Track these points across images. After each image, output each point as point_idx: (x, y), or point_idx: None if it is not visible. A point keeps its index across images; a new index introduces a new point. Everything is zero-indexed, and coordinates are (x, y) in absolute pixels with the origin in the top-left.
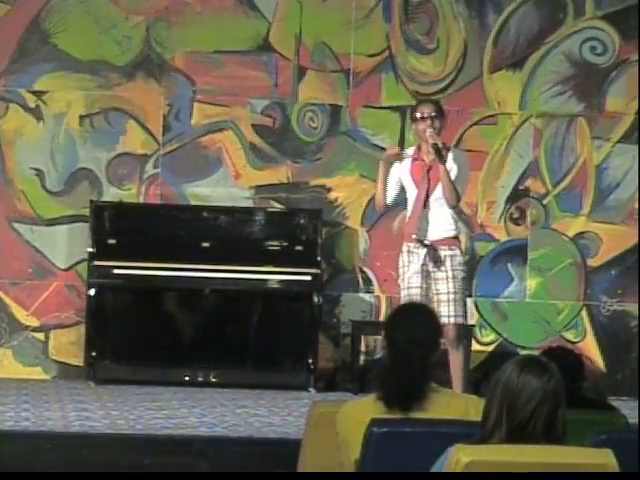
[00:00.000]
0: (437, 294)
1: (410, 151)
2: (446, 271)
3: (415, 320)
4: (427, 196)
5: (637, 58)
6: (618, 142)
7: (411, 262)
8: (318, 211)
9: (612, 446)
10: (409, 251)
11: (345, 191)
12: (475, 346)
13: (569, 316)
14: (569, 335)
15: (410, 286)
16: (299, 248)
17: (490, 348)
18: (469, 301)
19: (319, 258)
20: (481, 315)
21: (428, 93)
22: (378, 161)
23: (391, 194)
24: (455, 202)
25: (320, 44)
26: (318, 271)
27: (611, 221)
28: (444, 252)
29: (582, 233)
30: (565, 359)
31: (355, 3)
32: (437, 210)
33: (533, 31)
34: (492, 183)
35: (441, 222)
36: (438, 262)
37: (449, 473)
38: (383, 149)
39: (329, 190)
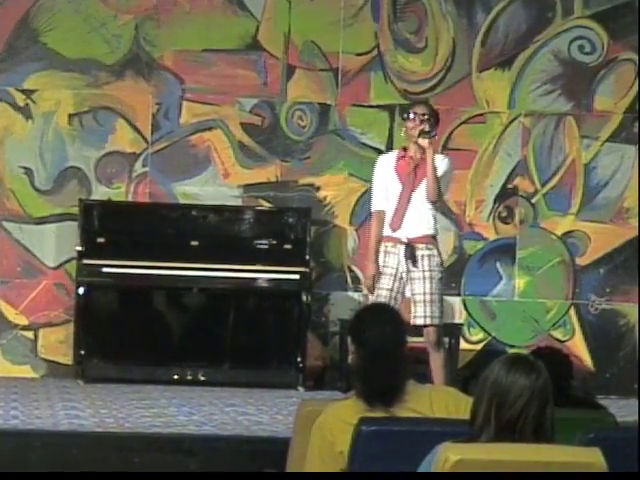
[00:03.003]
0: (413, 294)
1: (393, 155)
2: (423, 271)
3: (381, 318)
4: (411, 192)
5: (625, 57)
6: (606, 141)
7: (387, 264)
8: (307, 210)
9: (600, 445)
10: (386, 251)
11: (334, 190)
12: (463, 345)
13: (557, 315)
14: (557, 334)
15: (380, 287)
16: (288, 247)
17: (479, 347)
18: (457, 299)
19: (308, 257)
20: (469, 314)
21: (417, 92)
22: (366, 160)
23: (379, 199)
24: (435, 197)
25: (309, 43)
26: (307, 270)
27: (600, 220)
28: (422, 252)
29: (570, 232)
30: (553, 358)
31: (344, 2)
32: (419, 207)
33: (521, 30)
34: (481, 182)
35: (421, 220)
36: (415, 261)
37: (442, 473)
38: (372, 148)
39: (318, 189)
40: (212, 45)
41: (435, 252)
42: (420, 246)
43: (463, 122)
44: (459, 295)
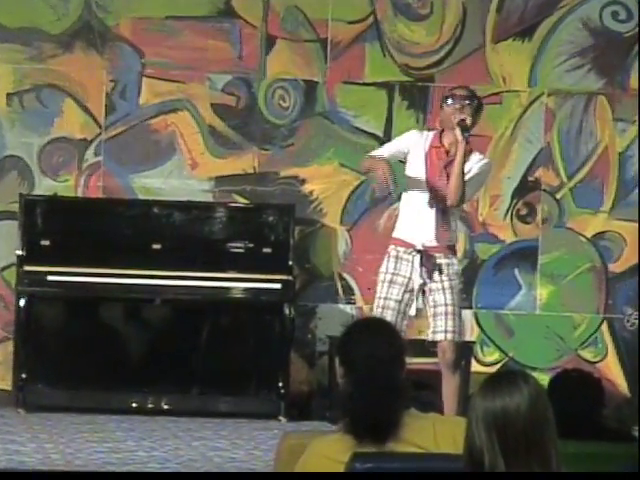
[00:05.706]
0: (434, 306)
1: (427, 138)
2: (442, 281)
3: (373, 335)
4: (437, 194)
5: None
6: None
7: (398, 270)
8: (290, 207)
9: None
10: (398, 257)
11: (322, 183)
12: (476, 367)
13: (587, 331)
14: (587, 354)
15: (388, 297)
16: (267, 250)
17: (494, 369)
18: (468, 313)
19: (291, 262)
20: (483, 330)
21: (420, 67)
22: (360, 147)
23: (387, 153)
24: (456, 202)
25: (292, 9)
26: (290, 278)
27: (637, 219)
28: (439, 260)
29: (602, 233)
30: (583, 383)
31: None
32: (440, 212)
33: None
34: (496, 174)
35: (442, 227)
36: (434, 271)
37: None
38: (367, 133)
39: (303, 182)
40: (178, 11)
41: (454, 260)
42: (437, 255)
43: None
44: (471, 308)
